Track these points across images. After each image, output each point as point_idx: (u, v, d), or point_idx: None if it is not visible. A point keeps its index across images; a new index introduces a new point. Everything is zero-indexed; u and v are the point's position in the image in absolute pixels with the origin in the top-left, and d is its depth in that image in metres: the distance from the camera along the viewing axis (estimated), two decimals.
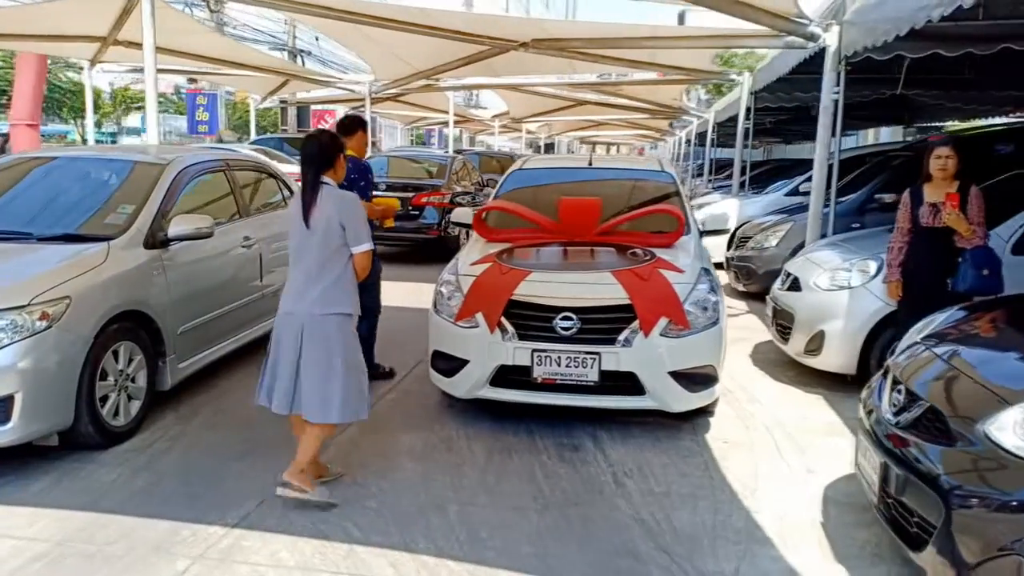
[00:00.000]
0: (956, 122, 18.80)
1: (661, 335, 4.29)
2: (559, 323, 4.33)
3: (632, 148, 55.25)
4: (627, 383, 4.33)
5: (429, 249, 10.67)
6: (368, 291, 5.23)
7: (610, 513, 3.60)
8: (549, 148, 41.41)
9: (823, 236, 7.08)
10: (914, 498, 2.69)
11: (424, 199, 10.68)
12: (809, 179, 11.26)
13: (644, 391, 4.33)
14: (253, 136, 20.32)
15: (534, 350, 4.33)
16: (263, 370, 3.69)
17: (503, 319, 4.39)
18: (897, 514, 2.85)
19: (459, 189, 11.47)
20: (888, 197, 8.22)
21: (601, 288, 4.42)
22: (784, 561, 3.20)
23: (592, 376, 4.29)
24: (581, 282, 4.51)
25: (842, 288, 5.34)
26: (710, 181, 19.04)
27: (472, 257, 4.89)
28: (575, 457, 4.24)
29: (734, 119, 15.62)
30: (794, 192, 11.05)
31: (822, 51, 7.18)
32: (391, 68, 12.21)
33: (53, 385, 3.79)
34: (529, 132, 33.98)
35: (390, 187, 10.65)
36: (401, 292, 8.45)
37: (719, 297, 4.59)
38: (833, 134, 7.05)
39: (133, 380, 4.34)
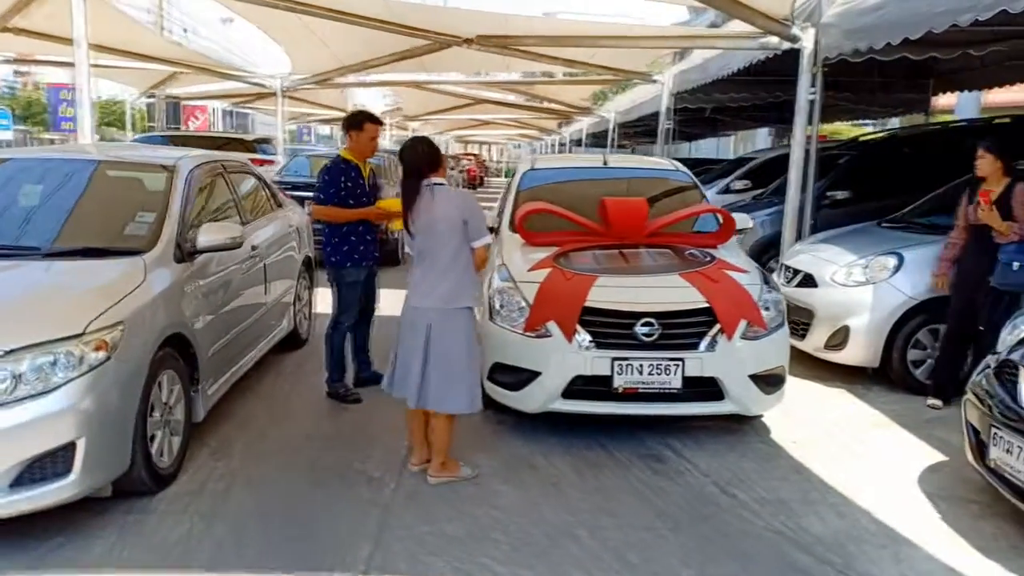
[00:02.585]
0: (844, 123, 20.19)
1: (742, 338, 4.23)
2: (640, 329, 4.17)
3: (504, 147, 55.70)
4: (707, 388, 4.24)
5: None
6: (369, 297, 5.12)
7: (743, 527, 3.49)
8: None
9: (798, 232, 7.31)
10: None
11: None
12: (740, 178, 11.73)
13: (723, 396, 4.25)
14: (130, 134, 18.77)
15: (614, 358, 4.15)
16: (392, 362, 3.90)
17: (578, 327, 4.19)
18: None
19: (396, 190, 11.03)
20: (840, 194, 8.58)
21: (676, 292, 4.30)
22: (938, 560, 3.21)
23: (675, 383, 4.16)
24: (654, 286, 4.37)
25: (865, 283, 5.49)
26: None
27: (523, 262, 4.64)
28: (665, 469, 4.10)
29: (640, 119, 16.10)
30: (725, 191, 11.38)
31: (780, 54, 7.47)
32: (315, 61, 11.58)
33: (115, 426, 3.24)
34: (414, 130, 33.47)
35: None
36: None
37: (781, 296, 4.59)
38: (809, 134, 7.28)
39: (172, 413, 3.80)
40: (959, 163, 8.59)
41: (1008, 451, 3.22)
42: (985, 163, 4.85)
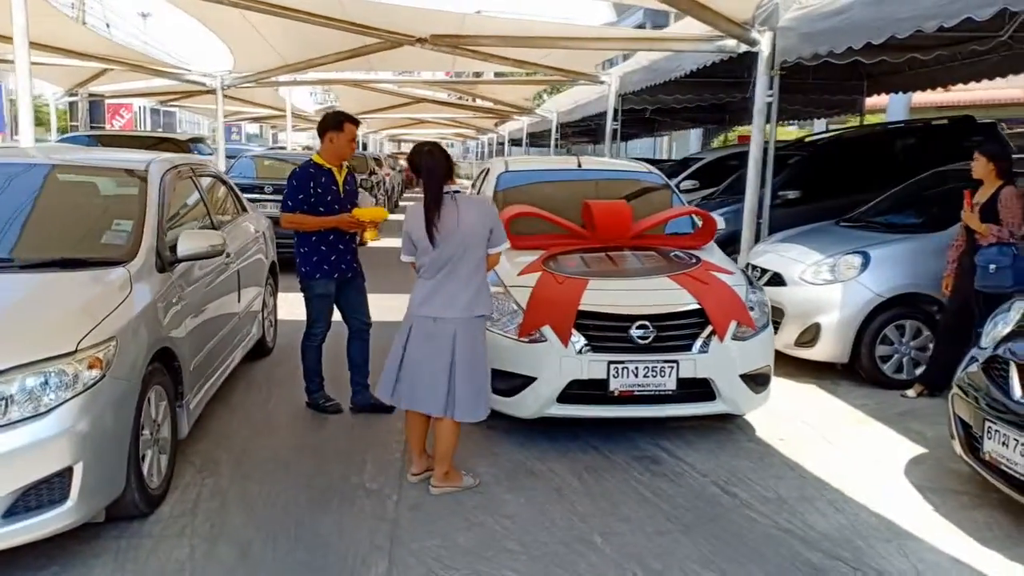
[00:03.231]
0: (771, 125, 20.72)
1: (733, 339, 4.28)
2: (635, 332, 4.18)
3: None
4: (700, 389, 4.28)
5: None
6: (356, 311, 4.89)
7: (751, 526, 3.53)
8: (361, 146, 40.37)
9: (758, 231, 7.47)
10: None
11: None
12: (688, 178, 11.93)
13: (715, 396, 4.30)
14: (54, 135, 17.90)
15: (610, 362, 4.15)
16: (394, 373, 3.78)
17: (573, 331, 4.17)
18: None
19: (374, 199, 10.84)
20: (791, 194, 8.82)
21: (667, 294, 4.33)
22: (942, 552, 3.31)
23: (670, 385, 4.19)
24: (646, 288, 4.39)
25: (833, 282, 5.64)
26: None
27: (511, 266, 4.59)
28: (663, 470, 4.12)
29: (584, 119, 16.25)
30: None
31: (733, 57, 7.64)
32: (258, 59, 11.25)
33: (111, 448, 3.06)
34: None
35: (276, 190, 9.82)
36: None
37: (765, 296, 4.67)
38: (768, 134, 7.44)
39: (159, 430, 3.62)
40: (903, 162, 9.00)
41: (1004, 444, 3.35)
42: (979, 166, 5.02)
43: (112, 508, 3.19)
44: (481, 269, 3.70)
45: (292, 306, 6.94)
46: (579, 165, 5.79)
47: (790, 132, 25.50)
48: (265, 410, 4.93)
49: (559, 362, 4.16)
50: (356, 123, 4.75)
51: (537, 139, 24.07)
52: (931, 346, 5.56)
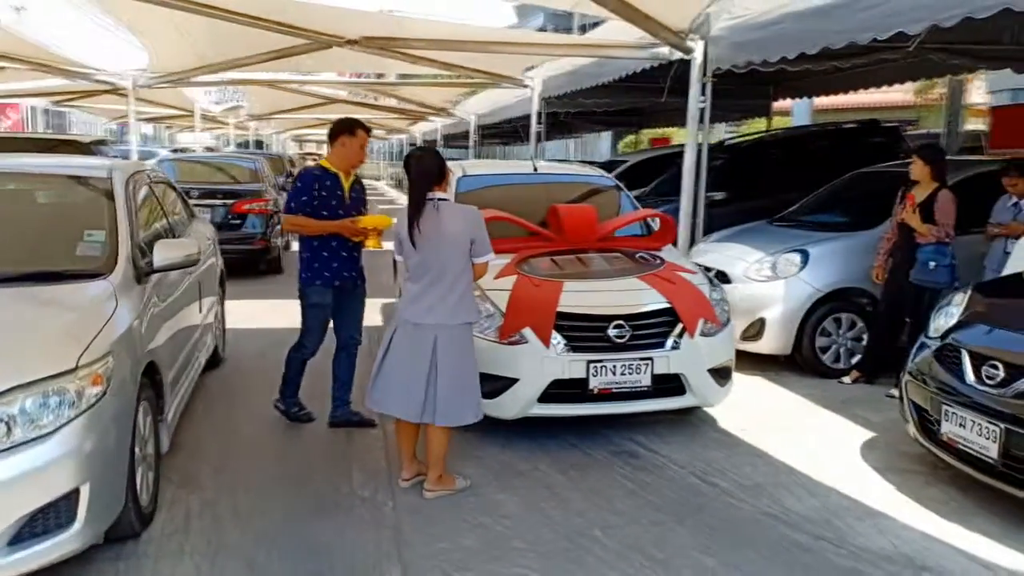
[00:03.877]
0: (677, 128, 21.46)
1: (701, 335, 4.49)
2: (612, 332, 4.32)
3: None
4: (671, 385, 4.46)
5: (255, 261, 9.77)
6: (350, 325, 4.73)
7: (737, 513, 3.72)
8: (259, 145, 39.23)
9: (692, 231, 7.78)
10: None
11: (246, 206, 9.70)
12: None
13: (685, 391, 4.50)
14: None
15: (589, 361, 4.28)
16: (380, 376, 3.79)
17: (553, 331, 4.28)
18: (1022, 473, 3.37)
19: (276, 195, 10.60)
20: (718, 195, 9.20)
21: (639, 294, 4.50)
22: (913, 528, 3.58)
23: (645, 381, 4.35)
24: (618, 289, 4.54)
25: (775, 278, 5.96)
26: None
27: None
28: (643, 464, 4.28)
29: (505, 121, 16.42)
30: None
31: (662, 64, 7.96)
32: (176, 58, 10.83)
33: (114, 467, 2.96)
34: (242, 129, 31.83)
35: (204, 194, 9.52)
36: (261, 310, 7.76)
37: (725, 294, 4.91)
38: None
39: (146, 446, 3.50)
40: (818, 164, 9.54)
41: (961, 425, 3.66)
42: (916, 168, 5.39)
43: (108, 529, 3.07)
44: (465, 277, 3.72)
45: (234, 315, 6.81)
46: (535, 169, 5.90)
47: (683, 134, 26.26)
48: (232, 422, 4.81)
49: (541, 363, 4.25)
50: (368, 130, 4.61)
51: (453, 140, 24.07)
52: (865, 336, 5.96)
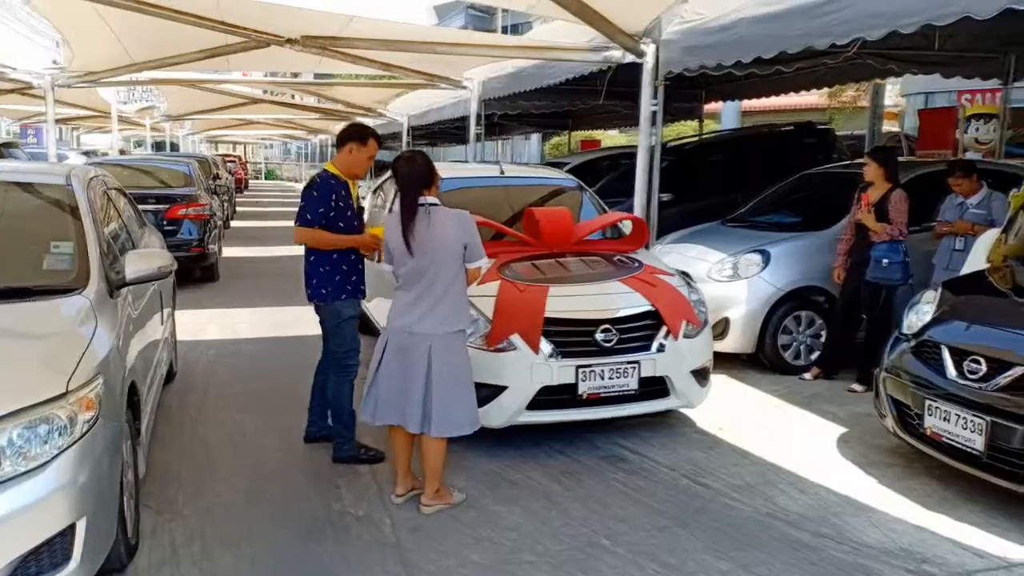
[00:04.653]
0: (603, 130, 21.79)
1: (684, 336, 4.51)
2: (600, 336, 4.30)
3: (253, 147, 52.85)
4: (657, 387, 4.47)
5: (190, 269, 9.36)
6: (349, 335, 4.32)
7: (736, 514, 3.74)
8: (172, 147, 37.78)
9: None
10: None
11: (180, 212, 9.28)
12: None
13: (668, 393, 4.52)
14: None
15: (578, 366, 4.25)
16: (373, 388, 3.67)
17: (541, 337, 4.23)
18: (1007, 464, 3.50)
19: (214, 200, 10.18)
20: (664, 196, 9.32)
21: (623, 297, 4.49)
22: (904, 520, 3.67)
23: (633, 384, 4.35)
24: (603, 293, 4.52)
25: (737, 278, 6.07)
26: None
27: None
28: (633, 468, 4.27)
29: (439, 122, 16.30)
30: None
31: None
32: (101, 55, 10.27)
33: (108, 498, 2.75)
34: (157, 130, 30.54)
35: (136, 199, 9.04)
36: (202, 321, 7.46)
37: (703, 295, 4.96)
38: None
39: (126, 472, 3.27)
40: (758, 165, 9.79)
41: (945, 419, 3.79)
42: (870, 170, 5.56)
43: None
44: (458, 284, 3.63)
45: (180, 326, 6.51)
46: (502, 172, 5.83)
47: (615, 138, 26.85)
48: (198, 441, 4.57)
49: (530, 369, 4.20)
50: (379, 140, 4.39)
51: (385, 140, 23.71)
52: (823, 333, 6.14)
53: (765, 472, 4.24)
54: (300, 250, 4.30)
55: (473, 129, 13.00)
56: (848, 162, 7.94)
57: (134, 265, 3.57)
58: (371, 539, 3.44)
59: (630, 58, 7.67)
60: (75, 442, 2.56)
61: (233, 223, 18.40)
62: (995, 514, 3.70)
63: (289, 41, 8.98)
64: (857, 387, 5.65)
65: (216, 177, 15.08)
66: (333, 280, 4.14)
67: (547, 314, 4.25)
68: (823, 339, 6.13)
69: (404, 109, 17.82)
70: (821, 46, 5.47)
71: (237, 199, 24.55)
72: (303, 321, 7.71)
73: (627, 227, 5.54)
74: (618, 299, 4.47)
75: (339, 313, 4.17)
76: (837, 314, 5.91)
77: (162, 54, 10.01)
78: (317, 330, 4.45)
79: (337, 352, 4.22)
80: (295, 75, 21.11)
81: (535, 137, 25.98)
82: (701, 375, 4.66)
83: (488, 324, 4.25)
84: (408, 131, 18.08)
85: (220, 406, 5.23)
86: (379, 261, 4.12)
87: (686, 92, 13.15)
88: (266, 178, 47.19)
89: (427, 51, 8.98)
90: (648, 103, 7.59)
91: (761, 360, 6.13)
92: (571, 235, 4.98)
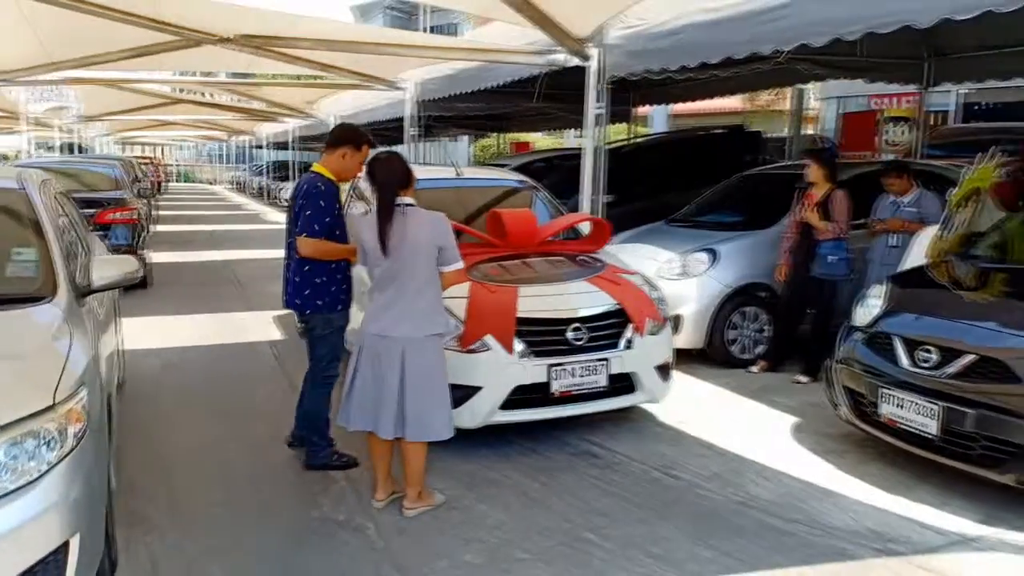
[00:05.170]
0: (529, 132, 22.01)
1: (649, 334, 4.63)
2: (570, 334, 4.37)
3: (167, 148, 50.99)
4: (624, 384, 4.58)
5: None
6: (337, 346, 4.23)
7: (711, 503, 3.87)
8: (81, 149, 36.09)
9: None
10: (996, 429, 3.59)
11: (110, 216, 8.92)
12: None
13: (635, 388, 4.63)
14: None
15: (551, 365, 4.31)
16: (350, 394, 3.65)
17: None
18: (960, 447, 3.74)
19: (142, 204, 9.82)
20: (608, 197, 9.49)
21: (591, 296, 4.57)
22: (866, 503, 3.86)
23: (602, 381, 4.44)
24: (571, 293, 4.59)
25: (687, 277, 6.25)
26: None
27: None
28: (604, 463, 4.35)
29: (369, 123, 16.13)
30: None
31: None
32: (13, 55, 9.78)
33: (97, 513, 2.65)
34: (65, 132, 29.12)
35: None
36: (137, 330, 7.19)
37: (663, 293, 5.09)
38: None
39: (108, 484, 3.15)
40: (692, 167, 10.08)
41: (900, 406, 4.00)
42: (812, 171, 5.79)
43: None
44: (432, 287, 3.61)
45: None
46: (459, 175, 5.84)
47: (541, 140, 27.14)
48: (159, 453, 4.43)
49: (504, 369, 4.23)
50: (374, 147, 4.26)
51: (307, 142, 23.32)
52: (767, 328, 6.38)
53: (730, 462, 4.39)
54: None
55: (409, 131, 12.94)
56: (785, 163, 8.27)
57: (100, 271, 3.44)
58: (359, 544, 3.41)
59: (574, 62, 7.79)
60: (65, 456, 2.46)
61: (156, 227, 17.74)
62: (947, 494, 3.93)
63: (223, 40, 8.75)
64: (803, 378, 5.90)
65: (137, 180, 14.52)
66: (329, 291, 4.05)
67: (519, 314, 4.30)
68: (767, 333, 6.38)
69: (333, 110, 17.57)
70: (766, 52, 5.68)
71: (156, 202, 23.69)
72: (249, 328, 7.56)
73: (585, 227, 5.63)
74: (586, 298, 4.55)
75: (331, 323, 4.10)
76: (782, 309, 6.15)
77: (85, 52, 9.61)
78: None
79: (321, 362, 4.14)
80: (207, 75, 20.48)
81: (465, 139, 25.99)
82: (664, 371, 4.78)
83: (460, 326, 4.26)
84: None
85: (176, 416, 5.07)
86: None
87: (617, 95, 13.41)
88: (183, 181, 45.69)
89: (371, 52, 8.90)
90: (593, 106, 7.72)
91: (710, 355, 6.32)
92: (535, 236, 5.04)
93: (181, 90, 18.27)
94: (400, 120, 13.15)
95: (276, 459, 4.36)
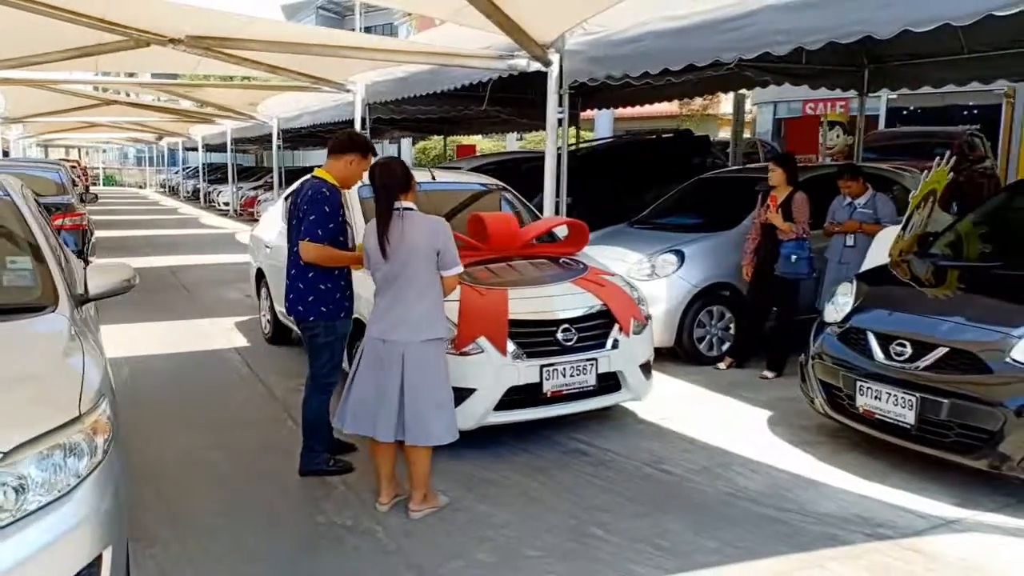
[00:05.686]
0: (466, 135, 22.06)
1: (633, 333, 4.75)
2: (561, 335, 4.46)
3: (88, 151, 49.14)
4: (611, 382, 4.69)
5: None
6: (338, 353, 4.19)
7: (703, 496, 4.00)
8: (6, 153, 34.47)
9: None
10: (969, 416, 3.82)
11: (58, 222, 8.58)
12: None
13: (620, 387, 4.74)
14: None
15: (543, 365, 4.39)
16: (348, 396, 3.69)
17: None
18: (936, 435, 3.97)
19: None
20: (568, 200, 9.63)
21: (578, 298, 4.67)
22: (849, 491, 4.05)
23: (591, 381, 4.55)
24: (559, 294, 4.67)
25: (655, 277, 6.41)
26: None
27: None
28: (596, 460, 4.45)
29: (314, 126, 15.98)
30: None
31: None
32: None
33: (125, 526, 2.59)
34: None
35: None
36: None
37: (643, 294, 5.23)
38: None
39: None
40: (644, 170, 10.31)
41: (877, 398, 4.22)
42: (775, 175, 6.01)
43: None
44: (432, 291, 3.63)
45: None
46: (433, 178, 5.87)
47: (482, 143, 27.23)
48: (145, 464, 4.31)
49: (497, 371, 4.29)
50: (375, 155, 4.23)
51: (244, 144, 22.83)
52: (732, 326, 6.60)
53: (715, 456, 4.54)
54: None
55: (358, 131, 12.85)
56: (739, 168, 8.54)
57: (96, 279, 3.35)
58: (370, 547, 3.41)
59: (536, 66, 7.89)
60: (96, 467, 2.41)
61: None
62: (921, 480, 4.15)
63: (173, 41, 8.55)
64: (768, 373, 6.12)
65: (75, 184, 14.01)
66: (333, 298, 4.03)
67: (510, 316, 4.36)
68: (732, 331, 6.60)
69: (275, 112, 17.27)
70: (729, 60, 5.90)
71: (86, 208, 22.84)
72: (210, 335, 7.40)
73: (561, 230, 5.72)
74: (573, 300, 4.64)
75: (334, 331, 4.07)
76: (747, 307, 6.37)
77: (21, 52, 9.24)
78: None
79: (322, 369, 4.11)
80: (131, 75, 19.85)
81: (405, 142, 25.85)
82: (646, 369, 4.91)
83: (453, 328, 4.29)
84: (278, 134, 17.54)
85: (156, 426, 4.95)
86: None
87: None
88: (106, 184, 44.09)
89: (330, 55, 8.79)
90: (554, 111, 7.83)
91: (679, 353, 6.50)
92: (517, 239, 5.10)
93: (112, 90, 17.71)
94: (344, 123, 13.04)
95: (266, 467, 4.31)
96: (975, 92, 11.76)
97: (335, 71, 11.61)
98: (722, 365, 6.38)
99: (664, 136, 11.12)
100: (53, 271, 3.20)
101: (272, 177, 22.65)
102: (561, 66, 7.58)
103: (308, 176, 4.21)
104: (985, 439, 3.81)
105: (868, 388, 4.27)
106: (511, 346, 4.33)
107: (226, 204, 23.77)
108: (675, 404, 5.47)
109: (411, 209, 3.64)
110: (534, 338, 4.42)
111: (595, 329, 4.62)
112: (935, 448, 4.02)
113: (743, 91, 13.12)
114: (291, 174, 21.02)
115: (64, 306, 3.04)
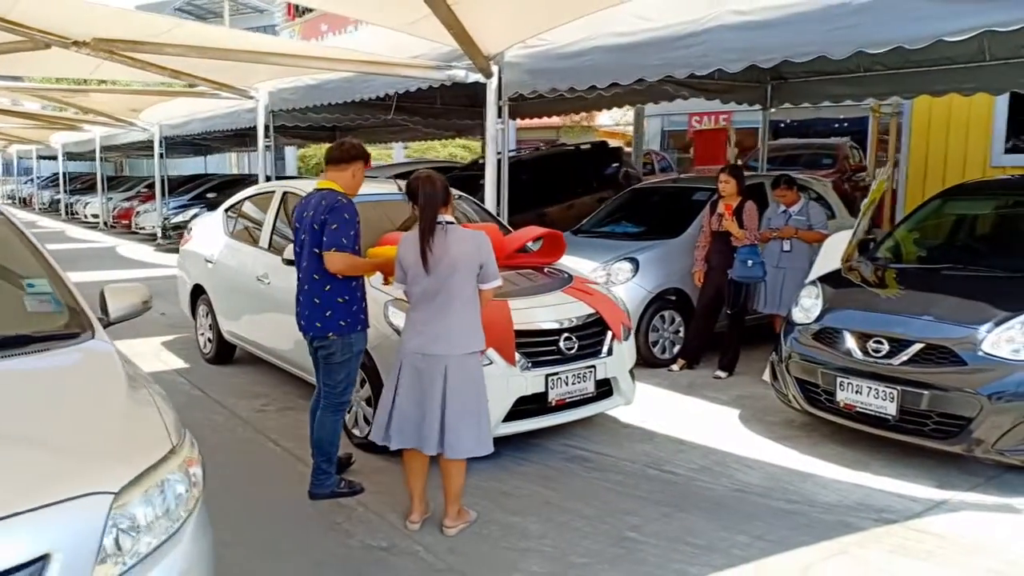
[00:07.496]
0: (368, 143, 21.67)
1: (624, 339, 4.88)
2: (563, 344, 4.52)
3: None
4: (605, 388, 4.79)
5: None
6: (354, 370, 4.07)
7: (715, 494, 4.16)
8: None
9: None
10: (947, 405, 4.19)
11: None
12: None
13: (613, 392, 4.86)
14: None
15: (548, 374, 4.43)
16: (390, 412, 3.62)
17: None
18: (915, 424, 4.31)
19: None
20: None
21: (572, 307, 4.73)
22: (841, 481, 4.32)
23: (590, 387, 4.63)
24: (554, 304, 4.71)
25: (614, 284, 6.58)
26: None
27: None
28: (600, 466, 4.54)
29: (201, 134, 15.30)
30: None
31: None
32: None
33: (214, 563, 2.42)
34: None
35: None
36: None
37: (623, 301, 5.36)
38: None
39: None
40: (563, 180, 10.54)
41: (858, 392, 4.54)
42: (728, 185, 6.30)
43: None
44: (472, 304, 3.62)
45: None
46: (400, 189, 5.76)
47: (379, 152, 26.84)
48: None
49: (507, 382, 4.29)
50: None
51: (113, 152, 21.40)
52: (681, 329, 6.87)
53: (708, 455, 4.72)
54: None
55: (262, 141, 12.41)
56: (672, 178, 8.90)
57: (116, 302, 3.12)
58: (419, 567, 3.34)
59: (474, 78, 7.93)
60: (198, 501, 2.26)
61: None
62: (900, 466, 4.49)
63: (77, 44, 7.98)
64: (721, 373, 6.42)
65: None
66: (350, 310, 3.90)
67: (516, 326, 4.37)
68: (682, 334, 6.87)
69: (159, 118, 16.34)
70: (680, 75, 6.12)
71: None
72: (143, 356, 6.93)
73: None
74: (569, 308, 4.71)
75: (352, 346, 3.94)
76: (700, 310, 6.65)
77: None
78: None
79: (336, 387, 3.96)
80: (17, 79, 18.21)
81: (289, 149, 25.06)
82: (631, 374, 5.05)
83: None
84: (160, 141, 16.62)
85: None
86: (386, 283, 3.98)
87: (473, 110, 13.69)
88: None
89: (252, 60, 8.44)
90: (494, 121, 7.89)
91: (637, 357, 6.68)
92: (502, 250, 5.10)
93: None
94: (242, 130, 12.57)
95: (271, 493, 4.11)
96: (845, 107, 12.83)
97: (237, 76, 11.18)
98: (675, 367, 6.63)
99: (582, 147, 11.41)
100: (75, 294, 2.94)
101: (144, 187, 21.40)
102: (500, 78, 7.67)
103: (312, 190, 4.07)
104: (962, 425, 4.18)
105: (849, 383, 4.58)
106: (517, 356, 4.34)
107: (95, 216, 22.18)
108: (648, 407, 5.63)
109: (452, 223, 3.60)
110: (539, 347, 4.45)
111: (592, 337, 4.70)
112: (915, 436, 4.36)
113: (639, 104, 13.69)
114: (172, 183, 19.97)
115: (101, 332, 2.81)
